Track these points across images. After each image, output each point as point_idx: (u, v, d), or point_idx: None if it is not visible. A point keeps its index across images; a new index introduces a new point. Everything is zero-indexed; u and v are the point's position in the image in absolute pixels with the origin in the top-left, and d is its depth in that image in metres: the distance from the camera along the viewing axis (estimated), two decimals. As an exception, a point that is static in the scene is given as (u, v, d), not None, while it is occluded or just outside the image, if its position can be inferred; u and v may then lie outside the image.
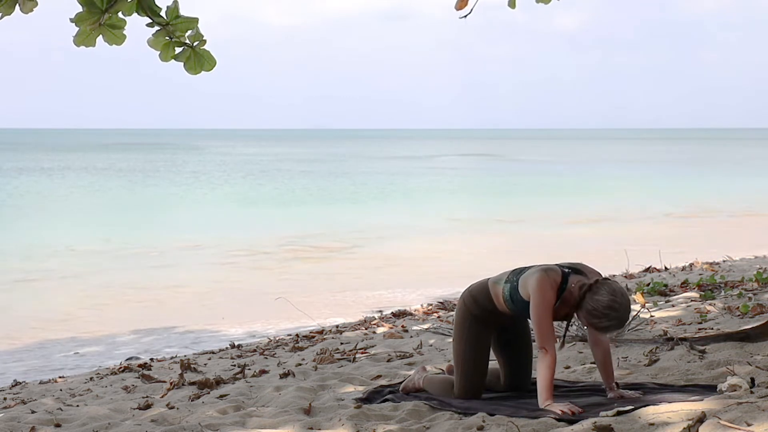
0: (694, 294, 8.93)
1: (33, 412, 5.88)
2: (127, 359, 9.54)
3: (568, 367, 5.99)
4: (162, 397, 6.24)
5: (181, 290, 14.38)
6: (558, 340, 4.87)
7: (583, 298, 4.71)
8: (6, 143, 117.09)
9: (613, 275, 12.31)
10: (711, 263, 12.99)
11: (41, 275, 15.94)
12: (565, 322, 5.02)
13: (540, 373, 4.71)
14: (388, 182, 43.65)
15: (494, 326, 5.11)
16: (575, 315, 4.85)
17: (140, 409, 5.76)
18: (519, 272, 4.93)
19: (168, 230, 23.65)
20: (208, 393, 6.14)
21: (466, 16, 4.50)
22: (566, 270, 4.84)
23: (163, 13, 3.73)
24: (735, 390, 4.60)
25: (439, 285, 13.95)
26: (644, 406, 4.37)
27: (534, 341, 4.95)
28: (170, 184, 42.61)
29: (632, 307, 5.18)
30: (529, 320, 4.98)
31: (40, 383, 7.98)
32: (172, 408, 5.66)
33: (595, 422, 4.16)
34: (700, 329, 6.86)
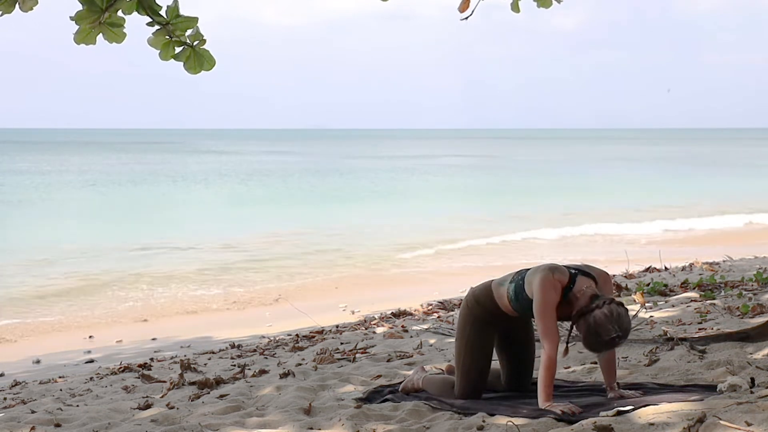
0: (694, 294, 8.92)
1: (33, 412, 5.88)
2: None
3: (568, 367, 5.98)
4: (162, 397, 6.23)
5: (178, 289, 14.37)
6: (561, 341, 4.75)
7: (592, 311, 4.59)
8: (6, 143, 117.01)
9: (613, 275, 12.31)
10: (711, 263, 12.96)
11: (40, 274, 15.94)
12: (569, 326, 4.87)
13: (539, 373, 4.69)
14: (388, 182, 43.65)
15: (497, 328, 5.09)
16: (574, 320, 4.70)
17: (140, 409, 5.76)
18: (524, 272, 4.90)
19: (164, 229, 23.66)
20: (208, 393, 6.14)
21: (467, 18, 4.49)
22: (573, 271, 4.77)
23: (163, 12, 3.73)
24: (735, 390, 4.60)
25: (439, 284, 13.95)
26: (644, 406, 4.37)
27: (538, 341, 4.92)
28: (167, 184, 42.59)
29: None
30: (533, 320, 4.95)
31: (40, 383, 7.96)
32: (172, 408, 5.65)
33: (595, 422, 4.16)
34: (700, 329, 6.85)
